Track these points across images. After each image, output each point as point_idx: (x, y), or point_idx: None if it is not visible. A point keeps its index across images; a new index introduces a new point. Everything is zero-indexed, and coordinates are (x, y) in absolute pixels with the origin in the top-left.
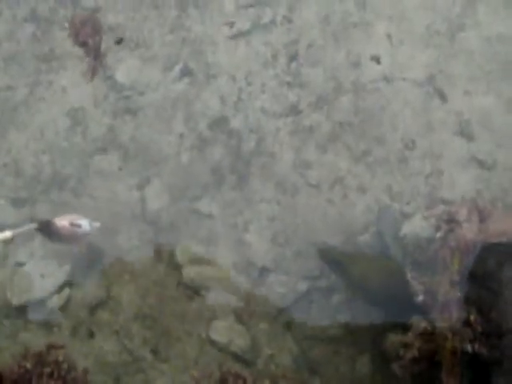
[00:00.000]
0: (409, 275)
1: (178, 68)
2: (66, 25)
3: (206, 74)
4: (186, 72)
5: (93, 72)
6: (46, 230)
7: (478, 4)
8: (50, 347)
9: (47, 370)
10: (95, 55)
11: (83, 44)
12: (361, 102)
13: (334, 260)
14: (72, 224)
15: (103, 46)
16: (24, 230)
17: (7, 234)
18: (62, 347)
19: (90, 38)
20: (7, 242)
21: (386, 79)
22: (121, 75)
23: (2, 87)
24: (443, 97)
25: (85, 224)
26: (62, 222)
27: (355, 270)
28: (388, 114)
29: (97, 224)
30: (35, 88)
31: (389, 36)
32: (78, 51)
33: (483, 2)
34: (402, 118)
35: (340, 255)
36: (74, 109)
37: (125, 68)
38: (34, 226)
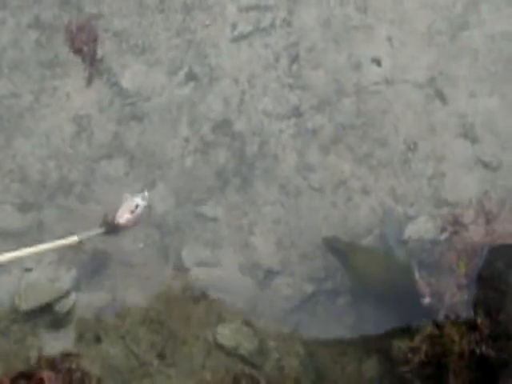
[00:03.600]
0: (417, 275)
1: (182, 72)
2: None
3: (210, 77)
4: (191, 76)
5: (89, 78)
6: (113, 231)
7: (480, 2)
8: (66, 355)
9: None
10: (91, 61)
11: (79, 50)
12: (363, 105)
13: (336, 249)
14: (132, 212)
15: (108, 52)
16: (91, 234)
17: (74, 238)
18: (78, 355)
19: (85, 44)
20: (74, 247)
21: (388, 81)
22: (126, 81)
23: (6, 94)
24: (446, 98)
25: (140, 202)
26: (125, 216)
27: (356, 260)
28: (390, 116)
29: (145, 193)
30: (40, 95)
31: (390, 38)
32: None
33: (486, 0)
34: (404, 120)
35: (343, 245)
36: (80, 115)
37: (130, 73)
38: (100, 230)
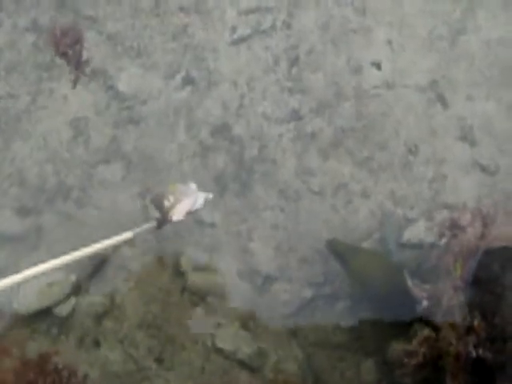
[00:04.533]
0: (409, 282)
1: (180, 76)
2: None
3: (208, 80)
4: (189, 80)
5: (75, 81)
6: (165, 225)
7: (477, 8)
8: (46, 355)
9: (49, 379)
10: (76, 65)
11: (63, 54)
12: (363, 108)
13: (338, 252)
14: (189, 213)
15: (103, 55)
16: (144, 229)
17: (128, 234)
18: (56, 353)
19: (70, 48)
20: (128, 242)
21: (388, 85)
22: (122, 84)
23: (3, 96)
24: (445, 102)
25: (200, 206)
26: (180, 215)
27: (358, 263)
28: (390, 120)
29: (210, 195)
30: (37, 97)
31: (389, 42)
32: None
33: (483, 6)
34: (404, 123)
35: (345, 247)
36: (77, 118)
37: (126, 77)
38: (153, 225)
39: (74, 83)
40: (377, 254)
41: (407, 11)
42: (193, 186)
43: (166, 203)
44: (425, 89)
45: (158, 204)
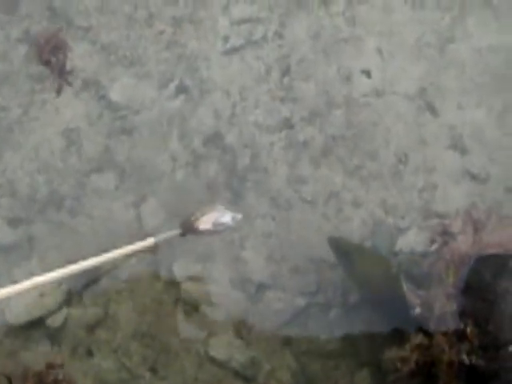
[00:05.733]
0: (405, 287)
1: (173, 85)
2: None
3: (201, 89)
4: (182, 89)
5: (58, 90)
6: (189, 234)
7: (467, 16)
8: (49, 366)
9: None
10: (60, 73)
11: (47, 63)
12: (353, 117)
13: (342, 250)
14: (215, 224)
15: (96, 65)
16: (168, 235)
17: (150, 240)
18: (61, 366)
19: (53, 56)
20: (151, 249)
21: (377, 93)
22: (115, 94)
23: None
24: (435, 110)
25: (227, 221)
26: (206, 225)
27: (363, 265)
28: (380, 128)
29: (239, 216)
30: (29, 108)
31: (379, 50)
32: (70, 70)
33: (473, 14)
34: (394, 131)
35: (350, 246)
36: (69, 129)
37: (119, 87)
38: (177, 232)
39: (58, 92)
40: (380, 255)
41: (396, 20)
42: (220, 206)
43: (193, 216)
44: (414, 97)
45: (186, 219)
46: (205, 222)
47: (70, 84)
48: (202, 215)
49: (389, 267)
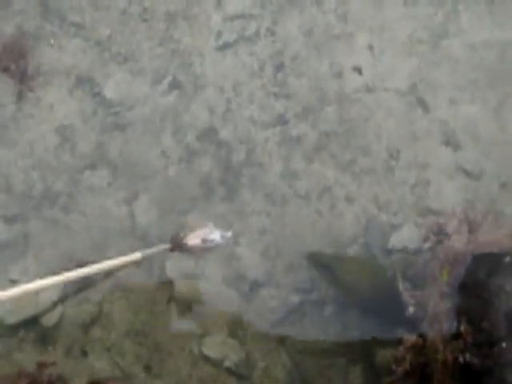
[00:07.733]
0: (401, 286)
1: (166, 81)
2: (52, 41)
3: (195, 85)
4: (175, 84)
5: (19, 95)
6: (178, 250)
7: (461, 11)
8: (41, 365)
9: None
10: (21, 79)
11: (5, 69)
12: (345, 112)
13: (324, 265)
14: (204, 240)
15: (90, 62)
16: (155, 251)
17: (137, 255)
18: (53, 364)
19: (13, 62)
20: (137, 263)
21: (369, 89)
22: (109, 90)
23: None
24: (426, 106)
25: (217, 238)
26: (195, 240)
27: (347, 276)
28: (372, 124)
29: (228, 234)
30: (23, 105)
31: (370, 46)
32: (64, 67)
33: (467, 10)
34: (385, 127)
35: (330, 260)
36: (63, 125)
37: (113, 83)
38: (166, 247)
39: (19, 97)
40: (362, 260)
41: (389, 16)
42: (210, 223)
43: (182, 232)
44: (406, 93)
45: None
46: (194, 238)
47: (32, 90)
48: (191, 231)
49: (374, 270)
